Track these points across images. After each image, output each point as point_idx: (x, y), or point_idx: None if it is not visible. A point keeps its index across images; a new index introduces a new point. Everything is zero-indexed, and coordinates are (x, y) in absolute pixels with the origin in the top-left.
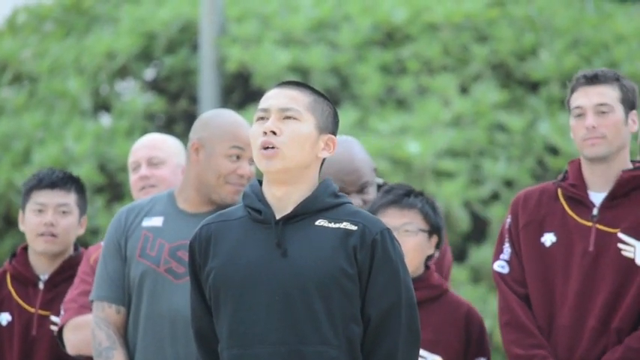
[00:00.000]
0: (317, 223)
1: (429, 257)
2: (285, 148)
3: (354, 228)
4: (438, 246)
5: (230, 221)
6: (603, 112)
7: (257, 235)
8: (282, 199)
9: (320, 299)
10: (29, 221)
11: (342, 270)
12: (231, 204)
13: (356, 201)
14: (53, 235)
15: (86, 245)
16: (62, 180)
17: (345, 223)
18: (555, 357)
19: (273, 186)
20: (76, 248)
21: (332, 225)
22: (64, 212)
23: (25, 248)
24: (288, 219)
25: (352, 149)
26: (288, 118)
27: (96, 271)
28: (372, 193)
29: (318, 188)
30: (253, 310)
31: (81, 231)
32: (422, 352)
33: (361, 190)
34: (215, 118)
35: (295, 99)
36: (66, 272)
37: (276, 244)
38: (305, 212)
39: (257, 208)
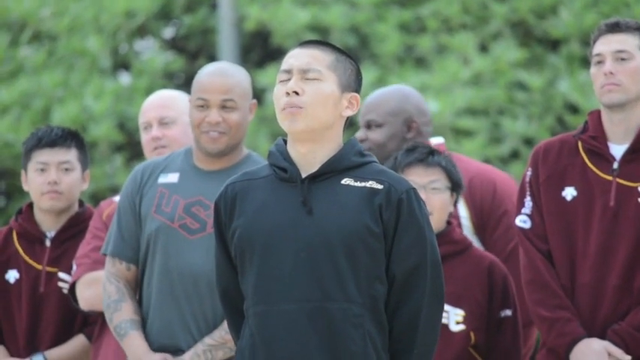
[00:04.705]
0: (343, 182)
1: (450, 214)
2: (309, 108)
3: (380, 187)
4: (455, 203)
5: (255, 180)
6: (622, 60)
7: (282, 193)
8: (307, 158)
9: (345, 257)
10: (33, 181)
11: (368, 228)
12: (213, 153)
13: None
14: (57, 192)
15: None
16: (62, 137)
17: (370, 182)
18: (579, 317)
19: (298, 144)
20: (81, 204)
21: (358, 184)
22: (66, 169)
23: (31, 206)
24: (314, 177)
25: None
26: (310, 79)
27: (110, 226)
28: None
29: (344, 147)
30: (279, 268)
31: (85, 186)
32: (445, 306)
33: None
34: (198, 72)
35: (316, 58)
36: (72, 229)
37: (301, 203)
38: (331, 171)
39: (282, 167)
